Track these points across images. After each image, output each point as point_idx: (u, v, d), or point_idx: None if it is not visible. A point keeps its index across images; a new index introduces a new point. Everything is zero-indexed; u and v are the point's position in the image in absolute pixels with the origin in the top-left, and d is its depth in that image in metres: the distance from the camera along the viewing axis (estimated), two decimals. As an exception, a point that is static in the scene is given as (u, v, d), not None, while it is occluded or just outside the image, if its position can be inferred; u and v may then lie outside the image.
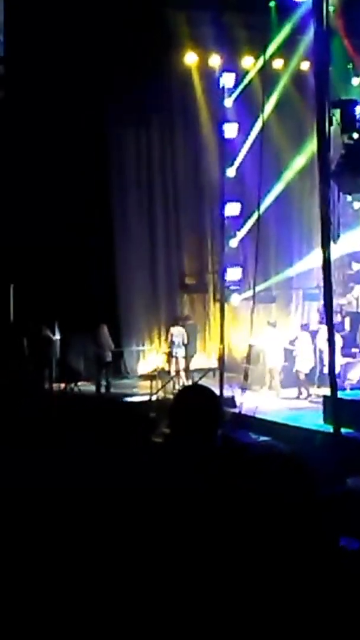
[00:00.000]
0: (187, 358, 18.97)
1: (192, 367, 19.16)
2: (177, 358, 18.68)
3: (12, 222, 18.23)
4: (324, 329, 15.39)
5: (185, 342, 18.85)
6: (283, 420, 14.68)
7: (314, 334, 17.64)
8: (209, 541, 2.51)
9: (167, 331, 18.94)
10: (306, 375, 17.29)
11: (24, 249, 18.24)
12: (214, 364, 18.42)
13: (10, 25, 18.61)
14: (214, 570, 2.43)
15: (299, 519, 2.46)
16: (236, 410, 15.11)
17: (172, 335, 18.78)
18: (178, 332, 18.79)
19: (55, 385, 18.08)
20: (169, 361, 18.93)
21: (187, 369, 18.85)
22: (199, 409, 3.22)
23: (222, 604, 2.36)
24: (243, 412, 15.12)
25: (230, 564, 2.43)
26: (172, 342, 18.74)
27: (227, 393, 15.48)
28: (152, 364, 18.78)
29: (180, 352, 18.66)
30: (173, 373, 18.41)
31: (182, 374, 18.59)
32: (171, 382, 17.60)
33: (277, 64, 19.84)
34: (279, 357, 17.72)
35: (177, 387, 17.25)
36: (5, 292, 18.46)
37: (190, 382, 17.71)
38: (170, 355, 18.82)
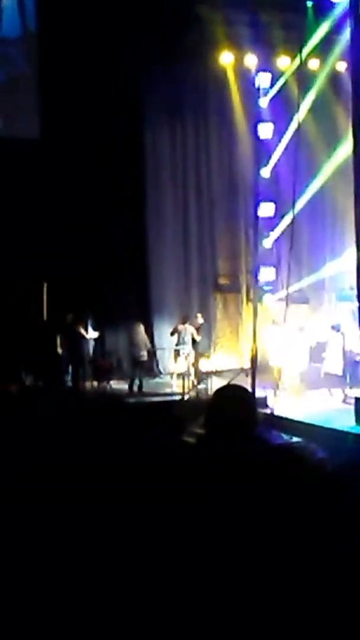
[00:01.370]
0: (197, 357, 18.79)
1: (225, 367, 19.09)
2: (186, 356, 18.52)
3: (46, 219, 18.35)
4: (355, 330, 15.30)
5: (193, 340, 18.68)
6: (314, 421, 14.61)
7: (344, 335, 17.53)
8: (242, 543, 2.51)
9: (175, 330, 18.74)
10: (338, 376, 17.19)
11: (58, 247, 18.33)
12: (246, 364, 18.35)
13: (47, 21, 18.76)
14: (243, 574, 2.45)
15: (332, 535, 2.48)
16: (268, 411, 15.06)
17: (178, 333, 18.60)
18: (185, 330, 18.61)
19: (87, 384, 18.13)
20: (175, 359, 18.81)
21: (196, 369, 18.66)
22: (236, 409, 3.21)
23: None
24: (275, 412, 15.08)
25: (260, 569, 2.44)
26: (178, 340, 18.57)
27: (259, 393, 15.43)
28: (184, 363, 18.72)
29: (186, 349, 18.50)
30: (182, 371, 18.29)
31: (192, 373, 18.40)
32: (202, 382, 17.56)
33: (314, 64, 19.71)
34: (298, 356, 17.61)
35: (207, 387, 17.26)
36: (39, 290, 18.55)
37: (196, 383, 17.74)
38: (177, 353, 18.69)
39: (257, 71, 19.68)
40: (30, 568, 2.61)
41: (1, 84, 19.29)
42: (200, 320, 19.09)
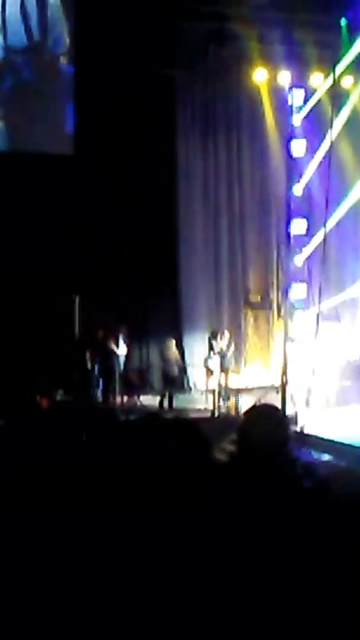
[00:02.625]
0: (227, 374, 18.69)
1: (255, 384, 19.00)
2: (212, 371, 18.46)
3: (79, 235, 18.43)
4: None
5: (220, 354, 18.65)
6: (344, 439, 14.48)
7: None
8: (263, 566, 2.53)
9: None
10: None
11: (90, 262, 18.40)
12: (277, 381, 18.26)
13: (81, 39, 18.92)
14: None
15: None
16: (298, 429, 14.97)
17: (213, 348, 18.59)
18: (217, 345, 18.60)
19: (118, 399, 18.12)
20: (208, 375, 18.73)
21: (224, 385, 18.39)
22: (268, 429, 3.22)
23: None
24: (305, 430, 14.99)
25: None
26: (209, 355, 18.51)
27: (289, 411, 15.35)
28: (214, 379, 18.66)
29: (211, 363, 18.45)
30: (212, 387, 18.21)
31: (216, 389, 18.27)
32: (233, 399, 17.50)
33: (347, 82, 19.65)
34: (327, 374, 17.51)
35: (237, 404, 17.19)
36: (71, 304, 18.62)
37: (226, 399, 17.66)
38: (209, 369, 18.61)
39: (290, 88, 19.64)
40: (48, 570, 2.61)
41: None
42: (226, 336, 18.99)
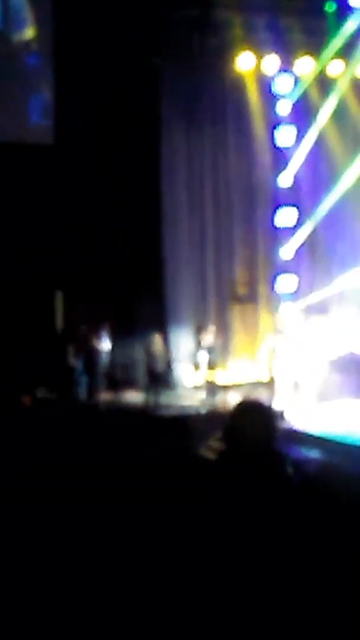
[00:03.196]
0: (212, 368, 18.39)
1: (242, 379, 18.85)
2: (198, 367, 18.25)
3: (60, 228, 18.29)
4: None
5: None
6: (332, 435, 14.36)
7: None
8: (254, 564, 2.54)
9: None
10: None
11: (72, 256, 18.29)
12: (265, 376, 18.09)
13: (61, 24, 18.69)
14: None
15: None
16: (286, 425, 14.81)
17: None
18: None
19: (102, 396, 17.95)
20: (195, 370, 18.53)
21: (210, 381, 18.21)
22: (255, 425, 3.19)
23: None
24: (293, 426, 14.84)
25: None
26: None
27: (276, 406, 15.20)
28: (200, 375, 18.49)
29: (198, 359, 18.25)
30: (199, 383, 18.05)
31: (203, 384, 18.00)
32: (220, 395, 17.35)
33: (334, 69, 19.49)
34: (314, 367, 17.36)
35: (224, 400, 17.03)
36: (53, 300, 18.50)
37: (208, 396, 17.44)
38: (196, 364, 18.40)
39: (277, 76, 19.49)
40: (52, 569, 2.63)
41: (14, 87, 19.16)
42: (212, 331, 18.73)
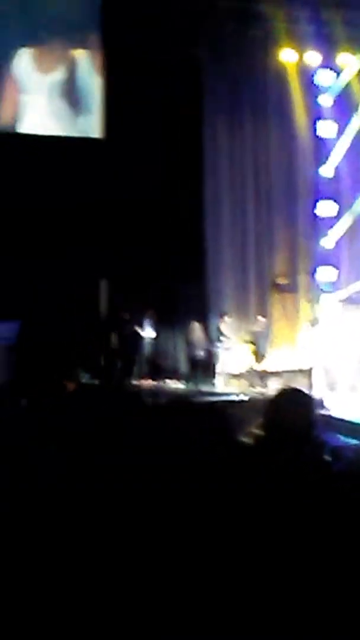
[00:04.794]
0: (258, 358, 18.58)
1: (283, 368, 18.92)
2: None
3: (105, 218, 18.42)
4: None
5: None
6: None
7: None
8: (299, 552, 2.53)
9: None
10: None
11: (117, 245, 18.38)
12: (304, 365, 18.19)
13: (108, 22, 18.80)
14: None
15: None
16: (325, 412, 14.90)
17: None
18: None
19: (143, 382, 18.12)
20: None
21: (253, 369, 18.41)
22: (295, 412, 3.23)
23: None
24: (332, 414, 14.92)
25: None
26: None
27: (316, 394, 15.28)
28: (242, 363, 18.60)
29: (224, 347, 18.48)
30: (240, 371, 18.19)
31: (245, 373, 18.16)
32: (261, 382, 17.45)
33: (376, 62, 19.41)
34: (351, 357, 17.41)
35: (263, 387, 17.16)
36: (97, 288, 18.63)
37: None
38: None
39: (318, 69, 19.48)
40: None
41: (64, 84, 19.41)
42: (261, 321, 18.89)
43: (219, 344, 18.54)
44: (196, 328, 18.42)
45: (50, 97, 19.03)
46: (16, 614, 2.48)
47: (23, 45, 18.95)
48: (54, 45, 18.99)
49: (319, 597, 2.48)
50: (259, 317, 19.07)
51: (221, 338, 18.55)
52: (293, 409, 3.21)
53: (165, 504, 2.67)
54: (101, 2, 18.95)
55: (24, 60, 18.95)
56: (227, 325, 18.77)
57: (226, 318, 18.91)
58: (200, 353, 18.39)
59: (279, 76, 20.22)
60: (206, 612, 2.44)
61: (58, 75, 19.15)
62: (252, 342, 18.34)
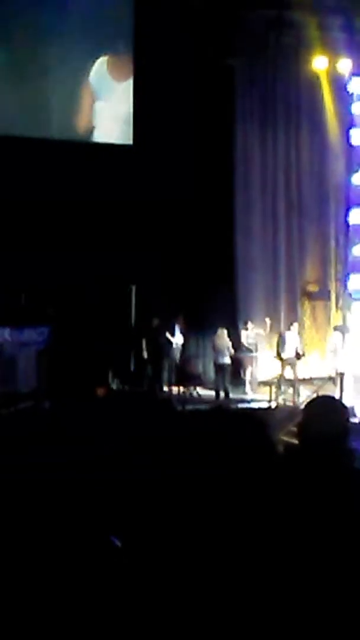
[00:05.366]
0: (283, 365, 18.47)
1: (313, 375, 18.83)
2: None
3: (136, 224, 18.47)
4: None
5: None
6: None
7: None
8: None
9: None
10: None
11: (147, 251, 18.42)
12: (334, 372, 18.09)
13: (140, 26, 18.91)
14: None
15: None
16: (357, 420, 14.83)
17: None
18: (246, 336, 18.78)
19: (173, 389, 18.13)
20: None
21: (282, 377, 18.35)
22: (328, 421, 3.18)
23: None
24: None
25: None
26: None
27: (347, 402, 15.20)
28: (272, 370, 18.56)
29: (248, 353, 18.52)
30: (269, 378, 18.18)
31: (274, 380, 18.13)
32: (291, 390, 17.39)
33: None
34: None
35: (295, 395, 17.11)
36: (127, 294, 18.67)
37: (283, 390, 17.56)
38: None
39: (351, 76, 19.42)
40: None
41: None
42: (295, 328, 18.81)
43: (246, 351, 18.52)
44: (223, 334, 18.39)
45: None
46: (16, 614, 2.53)
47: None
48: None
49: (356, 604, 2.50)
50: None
51: (249, 345, 18.53)
52: (326, 417, 3.16)
53: (194, 511, 2.70)
54: (134, 8, 19.03)
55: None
56: (254, 332, 18.76)
57: (250, 325, 18.93)
58: (226, 359, 18.34)
59: (312, 84, 20.22)
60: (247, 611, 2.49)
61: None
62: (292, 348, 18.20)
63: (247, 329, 18.98)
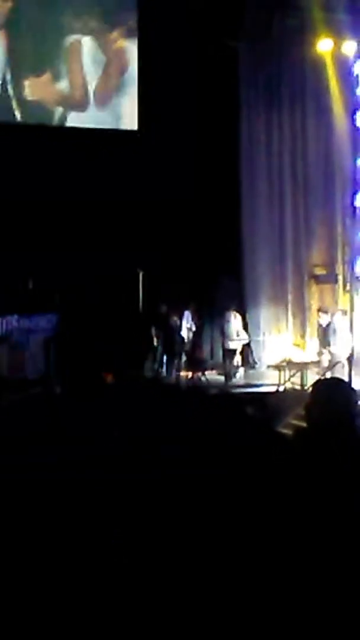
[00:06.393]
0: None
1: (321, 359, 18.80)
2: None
3: (142, 210, 18.47)
4: None
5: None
6: None
7: None
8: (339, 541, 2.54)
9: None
10: None
11: (154, 237, 18.42)
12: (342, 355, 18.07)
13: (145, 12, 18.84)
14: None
15: None
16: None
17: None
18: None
19: (182, 374, 18.15)
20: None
21: (289, 360, 18.33)
22: (336, 403, 3.18)
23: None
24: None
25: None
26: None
27: (355, 385, 15.18)
28: (279, 354, 18.57)
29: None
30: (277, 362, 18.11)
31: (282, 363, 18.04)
32: (299, 373, 17.38)
33: None
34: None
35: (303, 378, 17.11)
36: (135, 280, 18.68)
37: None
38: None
39: (356, 59, 19.32)
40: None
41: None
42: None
43: (255, 335, 18.50)
44: (231, 319, 18.39)
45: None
46: (17, 614, 2.54)
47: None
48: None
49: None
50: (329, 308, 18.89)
51: (257, 329, 18.52)
52: (333, 399, 3.16)
53: (204, 493, 2.70)
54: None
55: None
56: (263, 316, 18.74)
57: (262, 309, 18.91)
58: (236, 344, 18.35)
59: (317, 66, 20.06)
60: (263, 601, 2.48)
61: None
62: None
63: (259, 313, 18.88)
